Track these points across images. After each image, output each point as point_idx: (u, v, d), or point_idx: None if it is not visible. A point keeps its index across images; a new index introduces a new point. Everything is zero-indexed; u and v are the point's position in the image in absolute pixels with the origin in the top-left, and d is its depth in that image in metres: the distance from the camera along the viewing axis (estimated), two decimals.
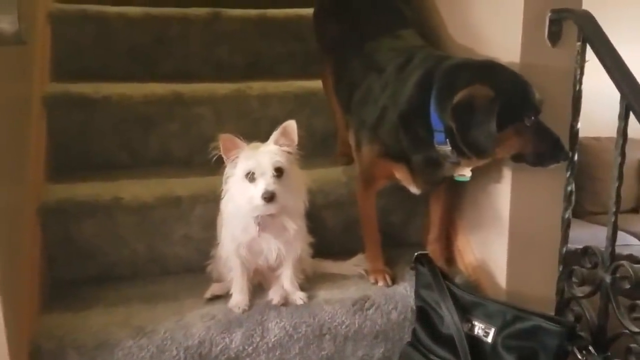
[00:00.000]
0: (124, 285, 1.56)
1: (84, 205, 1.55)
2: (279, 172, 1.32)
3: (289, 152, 1.36)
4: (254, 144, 1.35)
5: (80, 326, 1.35)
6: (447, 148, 1.34)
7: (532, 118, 1.29)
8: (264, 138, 1.93)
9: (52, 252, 1.55)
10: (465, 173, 1.44)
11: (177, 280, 1.57)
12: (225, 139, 1.33)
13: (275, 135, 1.36)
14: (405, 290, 1.50)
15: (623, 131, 1.26)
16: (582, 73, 1.37)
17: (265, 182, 1.30)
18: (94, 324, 1.36)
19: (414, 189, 1.52)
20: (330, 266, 1.61)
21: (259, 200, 1.30)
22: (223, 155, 1.33)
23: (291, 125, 1.37)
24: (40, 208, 1.52)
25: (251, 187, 1.31)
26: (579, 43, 1.36)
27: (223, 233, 1.44)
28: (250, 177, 1.31)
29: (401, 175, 1.50)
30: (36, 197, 1.53)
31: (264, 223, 1.37)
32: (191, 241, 1.62)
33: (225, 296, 1.46)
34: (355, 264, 1.60)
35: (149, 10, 2.13)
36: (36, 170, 1.59)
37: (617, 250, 1.36)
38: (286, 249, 1.42)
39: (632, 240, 3.60)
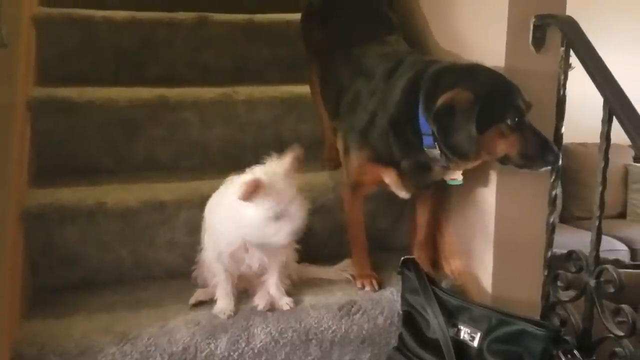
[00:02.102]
0: (107, 291, 1.54)
1: (67, 210, 1.53)
2: None
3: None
4: (273, 176, 1.29)
5: (62, 332, 1.33)
6: (436, 151, 1.35)
7: (516, 119, 1.29)
8: (251, 142, 1.95)
9: (35, 258, 1.53)
10: (456, 177, 1.44)
11: (162, 286, 1.56)
12: (250, 185, 1.25)
13: (290, 163, 1.33)
14: (392, 294, 1.50)
15: (606, 135, 1.27)
16: (565, 78, 1.39)
17: (293, 227, 1.29)
18: (77, 330, 1.34)
19: (403, 194, 1.52)
20: (316, 271, 1.60)
21: (284, 239, 1.29)
22: (242, 199, 1.26)
23: (300, 154, 1.35)
24: (23, 213, 1.50)
25: (273, 224, 1.28)
26: (562, 48, 1.37)
27: (206, 239, 1.43)
28: (276, 217, 1.28)
29: (390, 180, 1.49)
30: (19, 202, 1.51)
31: None
32: (176, 246, 1.61)
33: (210, 302, 1.45)
34: (341, 269, 1.60)
35: (135, 15, 2.11)
36: (19, 175, 1.57)
37: (604, 255, 1.37)
38: (271, 256, 1.41)
39: (619, 245, 3.64)
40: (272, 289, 1.45)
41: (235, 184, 1.30)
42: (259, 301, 1.42)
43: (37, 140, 1.77)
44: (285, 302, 1.43)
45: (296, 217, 1.29)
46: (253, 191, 1.25)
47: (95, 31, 2.06)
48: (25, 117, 1.73)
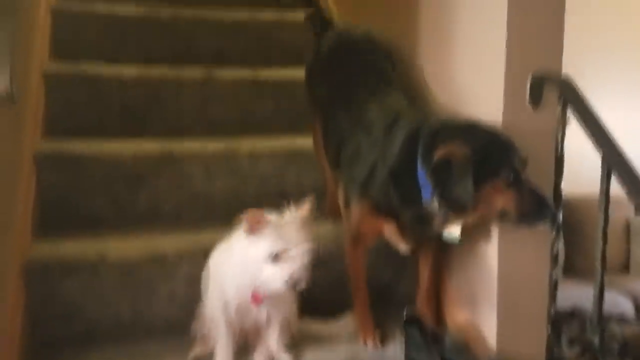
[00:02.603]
0: (107, 345, 1.52)
1: (69, 263, 1.53)
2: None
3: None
4: (279, 219, 1.29)
5: None
6: (435, 204, 1.36)
7: (512, 175, 1.30)
8: (254, 194, 1.97)
9: (35, 311, 1.52)
10: (454, 231, 1.45)
11: (161, 340, 1.54)
12: (252, 217, 1.24)
13: (300, 214, 1.32)
14: (395, 351, 1.48)
15: (606, 192, 1.28)
16: (563, 135, 1.41)
17: (293, 268, 1.25)
18: None
19: (403, 247, 1.52)
20: (317, 327, 1.58)
21: (280, 284, 1.25)
22: (245, 232, 1.27)
23: (310, 204, 1.34)
24: (25, 266, 1.50)
25: (272, 268, 1.25)
26: (559, 106, 1.40)
27: (210, 290, 1.42)
28: (274, 257, 1.26)
29: (390, 232, 1.50)
30: (22, 254, 1.52)
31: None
32: (176, 300, 1.59)
33: (210, 356, 1.42)
34: (343, 325, 1.57)
35: (143, 71, 2.17)
36: (23, 228, 1.58)
37: (608, 309, 1.35)
38: (275, 309, 1.39)
39: (623, 299, 3.58)
40: (272, 344, 1.42)
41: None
42: (259, 357, 1.40)
43: (42, 192, 1.79)
44: (285, 359, 1.41)
45: (297, 262, 1.25)
46: (255, 224, 1.24)
47: (104, 86, 2.11)
48: (31, 169, 1.75)
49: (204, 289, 1.45)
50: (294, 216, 1.30)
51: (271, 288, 1.28)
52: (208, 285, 1.43)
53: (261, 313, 1.38)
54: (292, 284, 1.25)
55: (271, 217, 1.27)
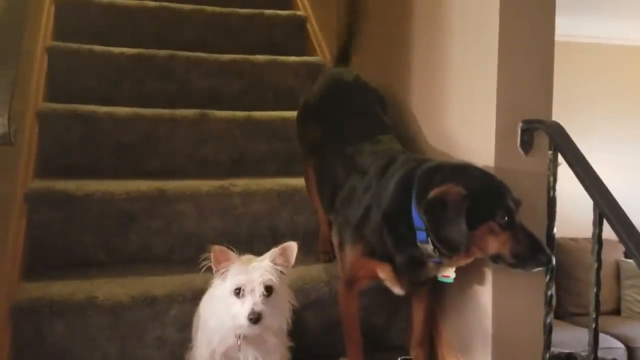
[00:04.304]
0: None
1: (58, 305, 1.50)
2: (268, 291, 1.26)
3: (282, 272, 1.31)
4: (247, 257, 1.31)
5: None
6: (429, 247, 1.36)
7: (506, 218, 1.31)
8: (246, 234, 1.96)
9: (21, 354, 1.48)
10: (449, 274, 1.44)
11: None
12: (217, 251, 1.28)
13: (273, 253, 1.32)
14: None
15: (598, 237, 1.29)
16: (555, 180, 1.43)
17: (252, 301, 1.24)
18: None
19: (398, 290, 1.51)
20: None
21: (244, 320, 1.24)
22: (213, 267, 1.29)
23: (291, 247, 1.34)
24: (13, 307, 1.47)
25: (237, 304, 1.26)
26: (550, 152, 1.42)
27: (199, 337, 1.39)
28: (238, 293, 1.26)
29: (385, 275, 1.49)
30: (9, 296, 1.49)
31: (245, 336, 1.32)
32: (165, 344, 1.57)
33: None
34: None
35: (137, 111, 2.18)
36: (12, 269, 1.56)
37: (601, 354, 1.35)
38: (265, 355, 1.37)
39: (615, 342, 3.56)
40: None
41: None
42: None
43: (32, 232, 1.77)
44: None
45: (256, 296, 1.25)
46: (220, 257, 1.26)
47: (98, 126, 2.12)
48: (22, 209, 1.74)
49: (194, 333, 1.43)
50: (267, 256, 1.31)
51: (237, 324, 1.26)
52: (197, 330, 1.41)
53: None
54: (255, 319, 1.23)
55: (234, 254, 1.28)
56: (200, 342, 1.38)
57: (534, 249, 1.31)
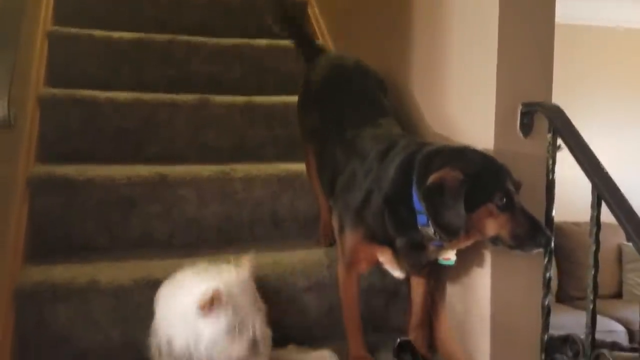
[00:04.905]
0: None
1: (60, 289, 1.52)
2: None
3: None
4: (231, 286, 1.26)
5: None
6: (430, 230, 1.37)
7: (505, 200, 1.31)
8: (247, 219, 1.97)
9: (24, 338, 1.50)
10: (450, 256, 1.45)
11: None
12: (210, 300, 1.21)
13: (246, 266, 1.31)
14: None
15: (596, 219, 1.29)
16: (554, 163, 1.43)
17: (253, 338, 1.25)
18: None
19: (398, 273, 1.52)
20: (305, 356, 1.55)
21: (243, 352, 1.24)
22: (202, 314, 1.23)
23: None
24: (16, 291, 1.49)
25: (233, 337, 1.24)
26: (549, 134, 1.42)
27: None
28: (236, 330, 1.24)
29: (385, 258, 1.50)
30: (13, 280, 1.51)
31: None
32: None
33: None
34: (325, 356, 1.52)
35: (138, 96, 2.18)
36: (14, 253, 1.57)
37: (601, 336, 1.36)
38: None
39: (616, 325, 3.58)
40: None
41: (192, 293, 1.25)
42: None
43: (35, 217, 1.78)
44: None
45: (257, 328, 1.24)
46: (212, 305, 1.21)
47: (98, 111, 2.12)
48: (24, 194, 1.75)
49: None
50: (238, 277, 1.27)
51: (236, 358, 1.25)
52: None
53: None
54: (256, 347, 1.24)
55: (222, 289, 1.22)
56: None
57: (533, 230, 1.31)
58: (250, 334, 1.23)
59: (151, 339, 1.40)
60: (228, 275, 1.27)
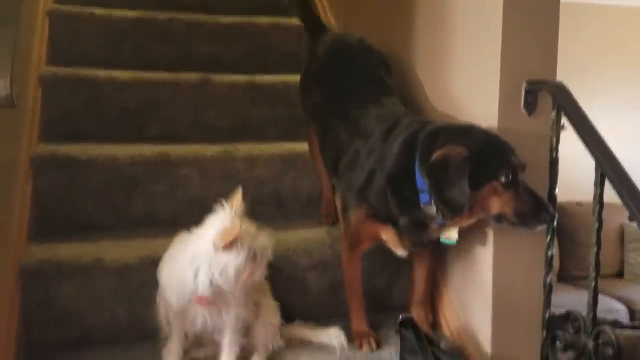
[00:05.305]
0: (102, 349, 1.51)
1: (65, 266, 1.53)
2: None
3: None
4: (239, 220, 1.32)
5: None
6: (432, 208, 1.37)
7: (510, 177, 1.31)
8: (250, 198, 1.96)
9: (30, 315, 1.52)
10: (452, 235, 1.46)
11: (156, 345, 1.53)
12: (231, 234, 1.27)
13: (238, 200, 1.35)
14: (390, 355, 1.48)
15: (599, 197, 1.29)
16: (557, 141, 1.42)
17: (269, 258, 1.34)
18: None
19: (400, 252, 1.53)
20: (310, 332, 1.56)
21: (263, 273, 1.33)
22: (224, 249, 1.28)
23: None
24: (21, 269, 1.50)
25: (250, 263, 1.30)
26: (553, 112, 1.41)
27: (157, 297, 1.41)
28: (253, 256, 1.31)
29: (388, 237, 1.51)
30: (18, 258, 1.52)
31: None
32: None
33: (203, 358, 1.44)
34: (332, 335, 1.52)
35: (139, 75, 2.17)
36: (19, 231, 1.58)
37: (602, 315, 1.37)
38: (228, 315, 1.38)
39: (617, 304, 3.61)
40: (224, 355, 1.39)
41: (204, 235, 1.31)
42: None
43: (38, 196, 1.79)
44: None
45: (268, 250, 1.32)
46: (231, 239, 1.27)
47: (100, 90, 2.11)
48: (28, 173, 1.75)
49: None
50: (238, 211, 1.32)
51: (257, 280, 1.33)
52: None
53: (212, 317, 1.37)
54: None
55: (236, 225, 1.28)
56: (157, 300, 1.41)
57: (537, 207, 1.31)
58: (267, 256, 1.31)
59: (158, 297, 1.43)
60: (229, 213, 1.32)
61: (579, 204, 4.01)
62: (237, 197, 1.34)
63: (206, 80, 2.22)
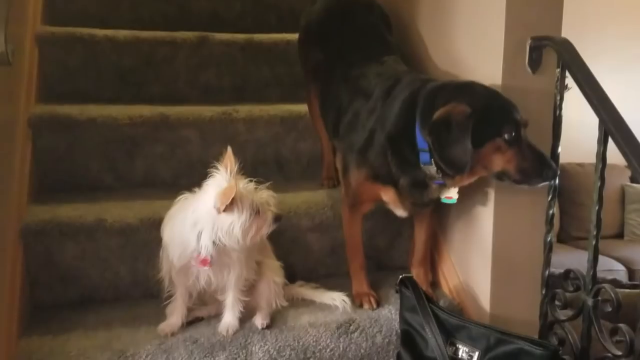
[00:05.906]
0: (105, 308, 1.54)
1: (67, 227, 1.54)
2: None
3: None
4: (236, 180, 1.32)
5: (59, 350, 1.33)
6: (433, 168, 1.36)
7: (513, 134, 1.29)
8: (250, 160, 1.96)
9: (33, 275, 1.54)
10: (452, 195, 1.45)
11: (160, 303, 1.55)
12: (228, 195, 1.28)
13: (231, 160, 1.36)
14: (390, 313, 1.50)
15: (602, 155, 1.28)
16: (561, 99, 1.40)
17: (274, 211, 1.36)
18: (74, 347, 1.34)
19: (401, 212, 1.53)
20: (312, 291, 1.58)
21: (270, 226, 1.35)
22: (223, 210, 1.29)
23: None
24: (23, 229, 1.51)
25: (256, 219, 1.32)
26: (558, 69, 1.39)
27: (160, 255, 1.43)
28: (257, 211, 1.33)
29: (388, 198, 1.50)
30: (19, 218, 1.52)
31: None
32: None
33: (207, 318, 1.46)
34: (336, 298, 1.54)
35: (137, 34, 2.14)
36: (20, 191, 1.58)
37: (602, 275, 1.37)
38: (228, 273, 1.39)
39: (616, 265, 3.64)
40: (227, 313, 1.42)
41: (204, 200, 1.32)
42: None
43: (38, 157, 1.78)
44: (224, 328, 1.40)
45: (270, 202, 1.34)
46: (232, 199, 1.28)
47: (98, 50, 2.08)
48: (27, 134, 1.74)
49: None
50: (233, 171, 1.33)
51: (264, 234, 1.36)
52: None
53: (215, 276, 1.39)
54: (279, 219, 1.37)
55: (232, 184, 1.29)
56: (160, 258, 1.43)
57: (540, 163, 1.30)
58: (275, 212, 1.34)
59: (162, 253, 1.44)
60: (225, 174, 1.32)
61: (580, 164, 4.00)
62: (230, 158, 1.33)
63: (204, 39, 2.18)
